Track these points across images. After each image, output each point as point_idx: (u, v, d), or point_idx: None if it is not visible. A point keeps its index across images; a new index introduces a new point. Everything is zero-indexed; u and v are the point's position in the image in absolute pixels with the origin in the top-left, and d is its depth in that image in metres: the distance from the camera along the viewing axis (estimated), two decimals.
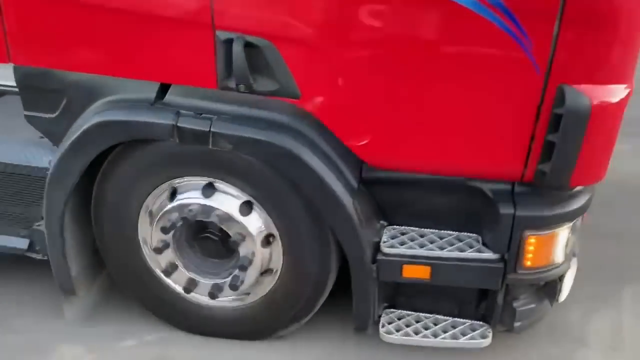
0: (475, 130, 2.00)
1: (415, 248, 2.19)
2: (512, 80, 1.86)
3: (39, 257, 2.53)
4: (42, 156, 2.39)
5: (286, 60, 1.93)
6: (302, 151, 2.01)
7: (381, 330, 2.32)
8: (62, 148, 2.17)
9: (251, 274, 2.28)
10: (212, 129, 2.00)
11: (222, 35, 1.91)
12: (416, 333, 2.31)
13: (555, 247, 2.18)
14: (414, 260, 2.17)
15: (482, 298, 2.35)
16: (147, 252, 2.40)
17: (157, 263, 2.40)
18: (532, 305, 2.34)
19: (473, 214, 2.20)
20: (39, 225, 2.45)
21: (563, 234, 2.16)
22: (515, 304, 2.28)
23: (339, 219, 2.12)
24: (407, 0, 1.79)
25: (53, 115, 2.26)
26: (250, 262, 2.25)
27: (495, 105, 1.93)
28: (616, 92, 1.86)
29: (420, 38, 1.88)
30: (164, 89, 2.10)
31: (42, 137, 2.36)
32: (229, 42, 1.91)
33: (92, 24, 2.03)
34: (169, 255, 2.33)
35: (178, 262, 2.36)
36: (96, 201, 2.34)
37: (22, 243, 2.54)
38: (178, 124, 2.00)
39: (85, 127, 2.11)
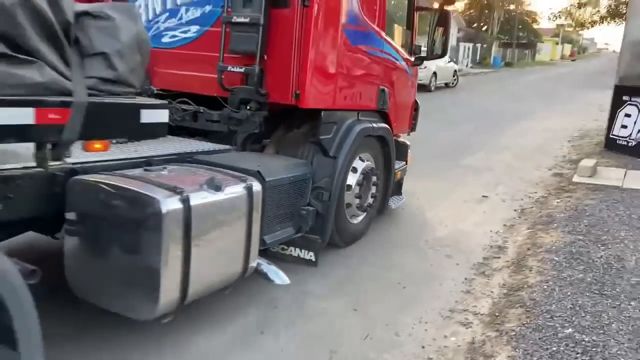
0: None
1: None
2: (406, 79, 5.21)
3: (297, 235, 3.75)
4: (304, 168, 3.87)
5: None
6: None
7: None
8: (346, 146, 4.06)
9: None
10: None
11: (382, 88, 4.66)
12: None
13: None
14: None
15: None
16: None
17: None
18: None
19: None
20: (304, 210, 3.76)
21: None
22: None
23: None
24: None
25: (330, 136, 4.02)
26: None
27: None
28: None
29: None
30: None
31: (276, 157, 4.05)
32: (382, 91, 4.67)
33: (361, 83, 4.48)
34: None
35: None
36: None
37: (289, 231, 3.69)
38: (374, 126, 4.55)
39: (357, 133, 4.17)
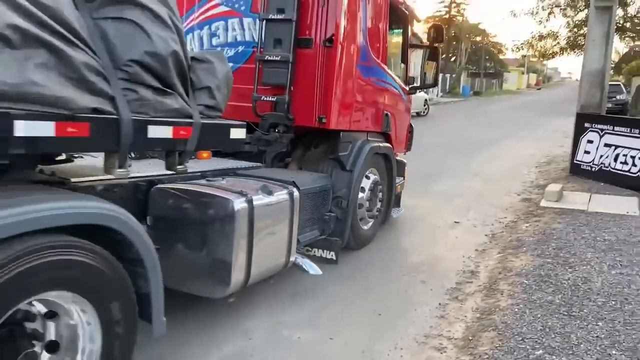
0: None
1: None
2: (404, 105, 5.97)
3: (322, 237, 4.46)
4: (326, 180, 4.64)
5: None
6: None
7: None
8: (360, 162, 4.84)
9: None
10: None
11: (386, 113, 5.48)
12: None
13: None
14: None
15: None
16: None
17: None
18: None
19: None
20: (327, 216, 4.50)
21: None
22: None
23: None
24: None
25: (347, 153, 4.80)
26: None
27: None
28: None
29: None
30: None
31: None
32: (386, 116, 5.48)
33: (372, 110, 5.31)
34: None
35: None
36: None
37: (316, 233, 4.41)
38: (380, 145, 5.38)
39: (368, 152, 4.95)
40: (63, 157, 2.86)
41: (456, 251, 5.32)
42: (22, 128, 1.99)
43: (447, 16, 44.66)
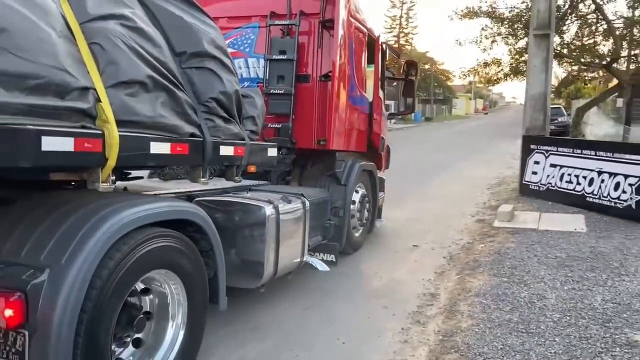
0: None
1: None
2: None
3: (324, 242, 5.20)
4: (325, 193, 5.48)
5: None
6: None
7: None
8: (352, 177, 5.67)
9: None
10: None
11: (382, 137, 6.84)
12: None
13: None
14: None
15: None
16: None
17: None
18: None
19: None
20: (327, 223, 5.27)
21: None
22: None
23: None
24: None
25: (342, 170, 5.59)
26: None
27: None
28: None
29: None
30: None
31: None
32: (382, 139, 6.87)
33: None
34: None
35: None
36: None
37: (319, 238, 5.14)
38: (367, 163, 6.32)
39: (358, 169, 5.81)
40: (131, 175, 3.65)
41: (416, 274, 5.38)
42: (155, 147, 2.71)
43: (396, 45, 46.15)
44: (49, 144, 2.06)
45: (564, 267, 5.12)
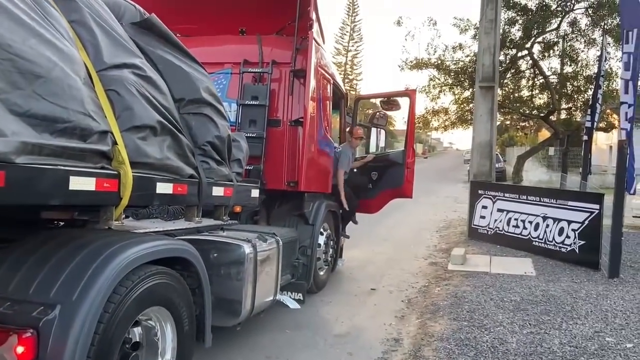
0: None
1: None
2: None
3: (293, 280, 5.33)
4: (294, 233, 5.61)
5: None
6: None
7: None
8: (320, 217, 5.97)
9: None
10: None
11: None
12: None
13: None
14: None
15: None
16: None
17: None
18: None
19: None
20: (296, 262, 5.43)
21: None
22: None
23: None
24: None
25: (309, 210, 5.85)
26: None
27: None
28: None
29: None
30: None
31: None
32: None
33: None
34: None
35: None
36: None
37: (288, 277, 5.23)
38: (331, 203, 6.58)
39: (324, 209, 6.12)
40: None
41: (377, 319, 5.34)
42: (160, 187, 2.87)
43: None
44: (76, 183, 2.23)
45: (519, 310, 5.25)
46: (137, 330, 2.74)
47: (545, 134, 28.53)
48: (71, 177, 2.20)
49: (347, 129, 7.64)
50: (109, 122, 2.51)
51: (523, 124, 19.99)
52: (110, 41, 2.80)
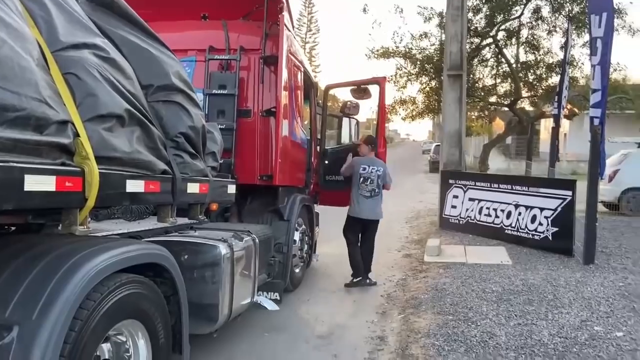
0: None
1: None
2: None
3: (269, 279, 5.03)
4: (268, 230, 5.29)
5: None
6: None
7: None
8: (295, 212, 5.67)
9: None
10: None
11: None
12: None
13: None
14: None
15: None
16: None
17: None
18: None
19: None
20: (271, 260, 5.16)
21: None
22: None
23: None
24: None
25: (284, 205, 5.55)
26: None
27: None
28: None
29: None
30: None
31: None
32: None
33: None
34: None
35: None
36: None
37: (264, 276, 4.91)
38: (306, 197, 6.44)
39: (298, 204, 5.84)
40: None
41: (358, 316, 5.13)
42: (130, 185, 2.54)
43: None
44: (32, 183, 1.88)
45: (503, 301, 5.14)
46: (106, 346, 2.40)
47: (499, 123, 29.09)
48: (26, 176, 1.86)
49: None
50: (68, 111, 2.15)
51: (479, 113, 20.22)
52: (67, 18, 2.40)
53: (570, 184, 7.18)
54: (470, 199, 8.76)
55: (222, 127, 5.01)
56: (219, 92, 5.30)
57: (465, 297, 5.31)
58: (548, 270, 6.34)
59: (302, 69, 6.23)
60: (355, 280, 6.14)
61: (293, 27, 6.05)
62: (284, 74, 5.32)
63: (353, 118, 7.48)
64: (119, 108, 2.47)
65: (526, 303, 5.06)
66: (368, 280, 6.18)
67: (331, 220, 8.22)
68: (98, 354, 2.33)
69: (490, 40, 16.46)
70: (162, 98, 3.08)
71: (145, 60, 2.99)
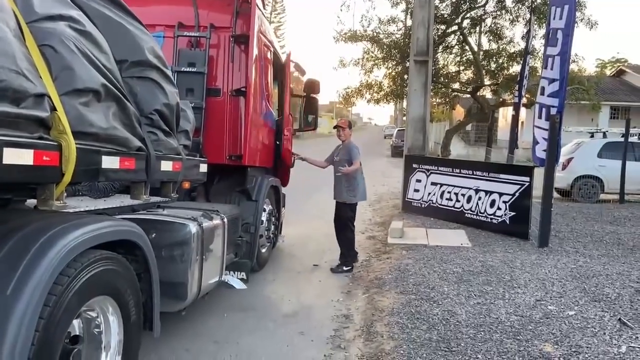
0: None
1: None
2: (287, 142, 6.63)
3: (236, 259, 4.96)
4: (236, 209, 5.20)
5: None
6: None
7: None
8: (262, 192, 5.71)
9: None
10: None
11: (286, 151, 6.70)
12: None
13: None
14: None
15: None
16: None
17: None
18: None
19: None
20: (239, 240, 5.08)
21: None
22: None
23: None
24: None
25: (252, 185, 5.59)
26: None
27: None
28: None
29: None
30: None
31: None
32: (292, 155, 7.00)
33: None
34: None
35: None
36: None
37: (232, 256, 4.85)
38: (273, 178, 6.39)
39: (266, 184, 5.84)
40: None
41: (324, 296, 5.22)
42: (106, 161, 2.53)
43: None
44: (11, 156, 1.85)
45: (463, 282, 5.33)
46: (77, 322, 2.40)
47: (460, 110, 29.71)
48: (5, 149, 1.82)
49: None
50: (45, 84, 2.11)
51: (441, 99, 20.57)
52: None
53: (528, 170, 7.47)
54: (433, 183, 8.97)
55: (191, 105, 4.95)
56: (187, 69, 5.21)
57: (427, 278, 5.47)
58: (505, 253, 6.60)
59: (272, 49, 6.18)
60: (346, 268, 6.19)
61: (264, 6, 5.98)
62: (255, 54, 5.29)
63: (314, 97, 7.34)
64: (95, 83, 2.44)
65: (485, 283, 5.27)
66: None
67: (297, 201, 8.30)
68: (69, 330, 2.31)
69: (455, 27, 16.74)
70: (136, 74, 3.05)
71: (119, 34, 2.95)
